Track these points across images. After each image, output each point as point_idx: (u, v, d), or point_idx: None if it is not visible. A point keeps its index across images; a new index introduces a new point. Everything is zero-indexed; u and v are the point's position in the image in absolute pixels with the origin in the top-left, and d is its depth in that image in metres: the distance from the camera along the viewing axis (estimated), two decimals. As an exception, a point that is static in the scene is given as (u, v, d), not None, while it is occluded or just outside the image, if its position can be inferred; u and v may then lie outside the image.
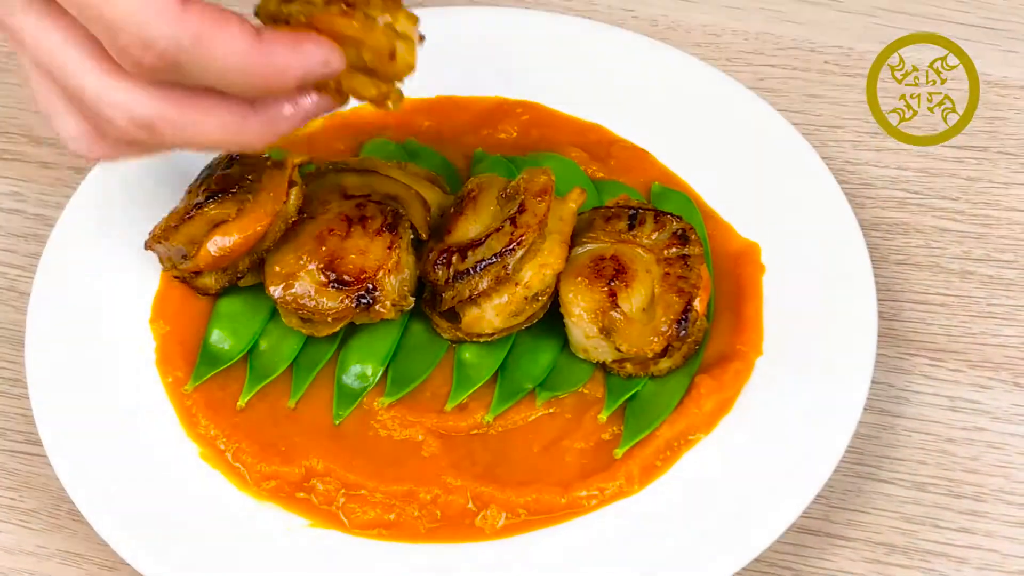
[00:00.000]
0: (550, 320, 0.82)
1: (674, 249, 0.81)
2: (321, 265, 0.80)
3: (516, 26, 0.96)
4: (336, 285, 0.79)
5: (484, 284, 0.79)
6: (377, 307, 0.79)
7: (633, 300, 0.79)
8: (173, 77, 0.63)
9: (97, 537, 0.75)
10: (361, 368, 0.81)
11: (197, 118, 0.65)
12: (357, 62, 0.67)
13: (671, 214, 0.82)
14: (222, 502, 0.77)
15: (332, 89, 0.68)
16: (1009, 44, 1.00)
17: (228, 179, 0.82)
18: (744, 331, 0.82)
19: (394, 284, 0.80)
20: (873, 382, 0.80)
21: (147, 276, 0.85)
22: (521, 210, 0.79)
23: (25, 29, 0.63)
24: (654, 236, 0.81)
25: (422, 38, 0.69)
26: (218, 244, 0.80)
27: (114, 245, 0.85)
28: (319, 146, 0.90)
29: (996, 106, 0.96)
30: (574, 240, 0.81)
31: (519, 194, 0.80)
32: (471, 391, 0.80)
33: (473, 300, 0.79)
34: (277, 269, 0.80)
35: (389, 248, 0.80)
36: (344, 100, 0.69)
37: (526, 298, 0.79)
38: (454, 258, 0.80)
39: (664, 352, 0.79)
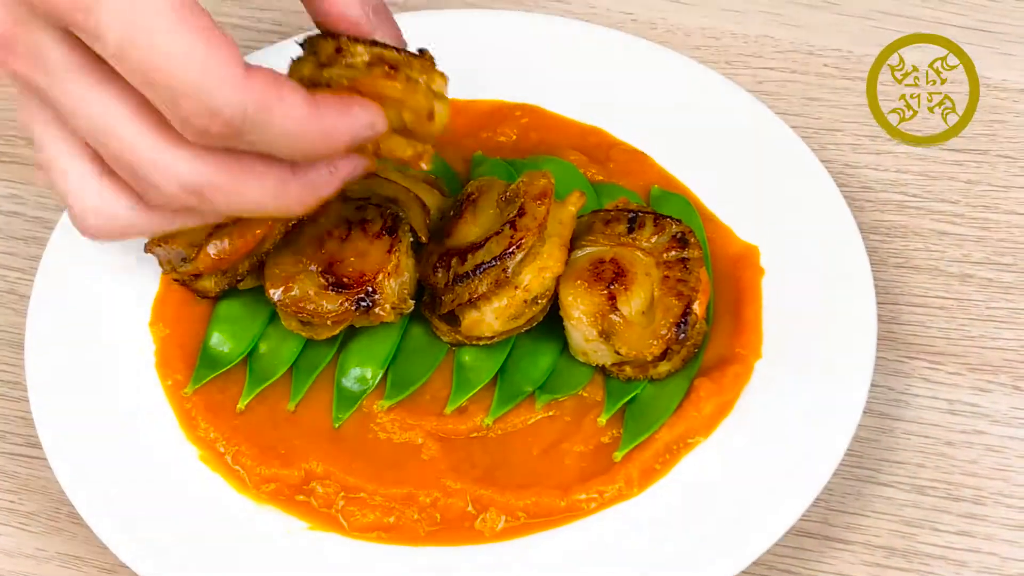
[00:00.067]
0: (550, 323, 0.82)
1: (673, 252, 0.81)
2: (321, 268, 0.80)
3: (515, 29, 0.96)
4: (336, 288, 0.79)
5: (484, 287, 0.79)
6: (377, 310, 0.79)
7: (632, 303, 0.79)
8: (231, 144, 0.63)
9: (97, 540, 0.75)
10: (361, 371, 0.81)
11: (245, 183, 0.65)
12: (396, 123, 0.68)
13: (670, 217, 0.82)
14: (222, 505, 0.77)
15: (369, 152, 0.69)
16: (1007, 47, 1.00)
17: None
18: (743, 334, 0.82)
19: (394, 287, 0.80)
20: (872, 385, 0.80)
21: (147, 279, 0.85)
22: (520, 213, 0.79)
23: (71, 94, 0.62)
24: (653, 239, 0.81)
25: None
26: (218, 247, 0.80)
27: (114, 248, 0.85)
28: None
29: (995, 109, 0.96)
30: (573, 243, 0.81)
31: (518, 197, 0.80)
32: (471, 394, 0.80)
33: (473, 303, 0.79)
34: (277, 272, 0.80)
35: (389, 251, 0.80)
36: (376, 163, 0.70)
37: (525, 301, 0.80)
38: (453, 261, 0.80)
39: (663, 355, 0.79)
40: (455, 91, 0.92)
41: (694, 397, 0.79)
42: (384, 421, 0.80)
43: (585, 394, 0.81)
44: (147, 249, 0.83)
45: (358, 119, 0.66)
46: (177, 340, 0.83)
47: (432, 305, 0.82)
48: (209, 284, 0.83)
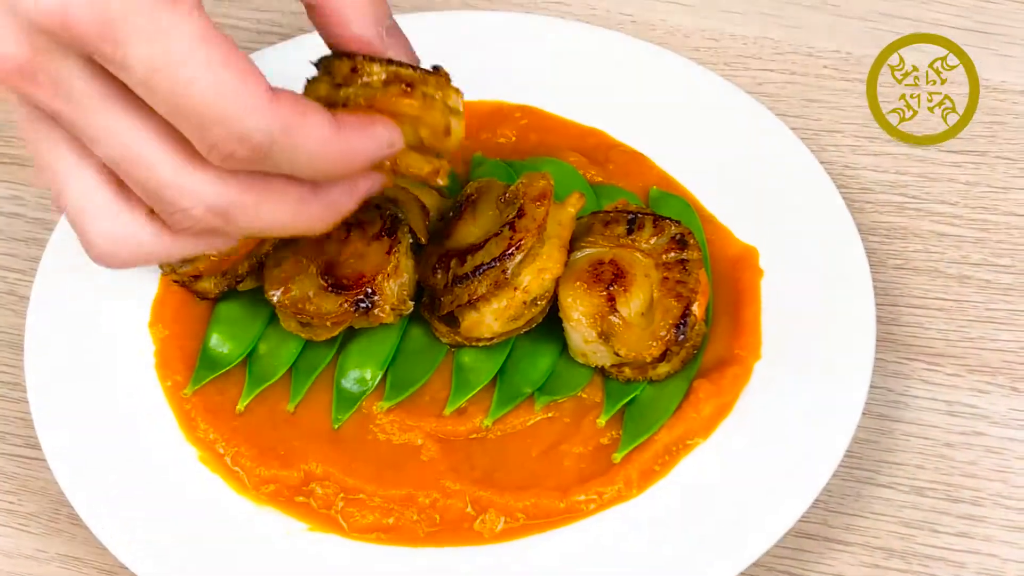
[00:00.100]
0: (549, 324, 0.82)
1: (672, 254, 0.81)
2: (320, 269, 0.80)
3: (515, 30, 0.96)
4: (335, 289, 0.79)
5: (483, 288, 0.79)
6: (376, 311, 0.79)
7: (632, 305, 0.79)
8: (256, 167, 0.63)
9: (96, 541, 0.75)
10: (360, 372, 0.81)
11: (268, 203, 0.65)
12: (412, 140, 0.69)
13: (669, 219, 0.82)
14: (221, 506, 0.77)
15: (387, 168, 0.69)
16: (1007, 49, 1.00)
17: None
18: (742, 335, 0.82)
19: (393, 288, 0.80)
20: (871, 387, 0.80)
21: (146, 280, 0.85)
22: (520, 215, 0.79)
23: (96, 122, 0.62)
24: (653, 241, 0.81)
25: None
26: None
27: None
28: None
29: (994, 110, 0.97)
30: (573, 245, 0.82)
31: (518, 199, 0.80)
32: (470, 395, 0.80)
33: (472, 304, 0.79)
34: (276, 273, 0.80)
35: (388, 252, 0.80)
36: (394, 179, 0.71)
37: (525, 303, 0.80)
38: (453, 262, 0.80)
39: (663, 356, 0.79)
40: (454, 92, 0.93)
41: (693, 398, 0.79)
42: (383, 422, 0.80)
43: (584, 395, 0.81)
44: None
45: (379, 138, 0.67)
46: (176, 341, 0.83)
47: (431, 306, 0.82)
48: (209, 285, 0.83)
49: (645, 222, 0.82)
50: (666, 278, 0.80)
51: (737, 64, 1.00)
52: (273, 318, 0.83)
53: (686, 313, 0.79)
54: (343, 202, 0.68)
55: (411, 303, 0.81)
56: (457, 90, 0.71)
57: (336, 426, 0.80)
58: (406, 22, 0.94)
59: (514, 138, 0.92)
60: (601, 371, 0.81)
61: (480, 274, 0.79)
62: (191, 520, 0.76)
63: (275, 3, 1.04)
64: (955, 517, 0.80)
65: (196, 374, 0.82)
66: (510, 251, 0.78)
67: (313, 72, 0.69)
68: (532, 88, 0.93)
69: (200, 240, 0.67)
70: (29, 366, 0.80)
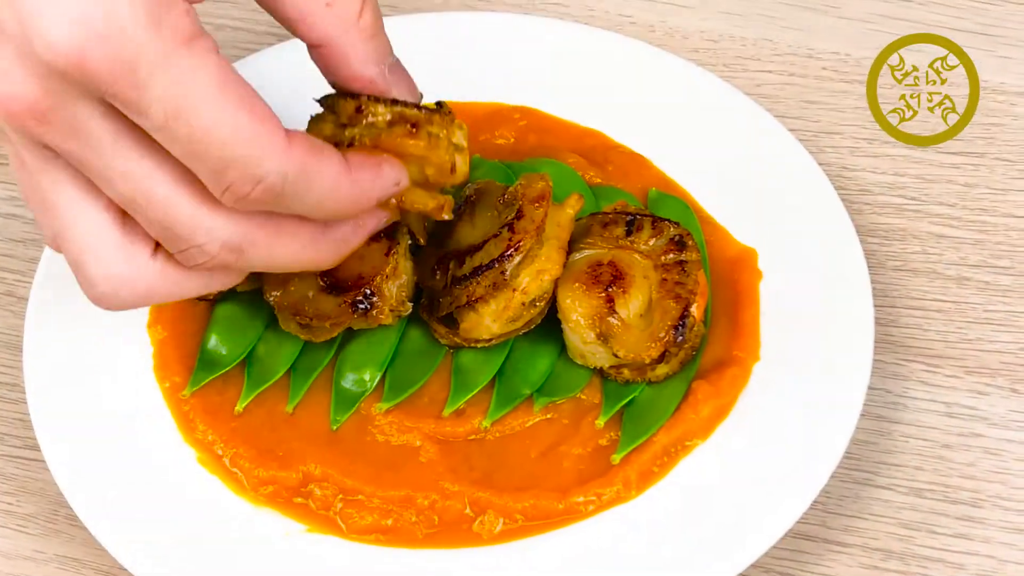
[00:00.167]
0: (548, 326, 0.82)
1: (671, 255, 0.81)
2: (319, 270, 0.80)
3: (513, 31, 0.96)
4: (334, 291, 0.79)
5: (481, 290, 0.79)
6: (375, 313, 0.79)
7: (630, 306, 0.79)
8: (267, 208, 0.64)
9: (95, 542, 0.75)
10: (359, 373, 0.81)
11: (282, 240, 0.66)
12: (418, 177, 0.71)
13: (668, 220, 0.82)
14: (220, 507, 0.77)
15: (393, 206, 0.71)
16: (1006, 50, 1.00)
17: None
18: (741, 337, 0.82)
19: (392, 290, 0.80)
20: (870, 388, 0.80)
21: (145, 281, 0.85)
22: (519, 216, 0.79)
23: (110, 163, 0.62)
24: (651, 242, 0.81)
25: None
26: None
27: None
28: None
29: (993, 112, 0.97)
30: (572, 246, 0.82)
31: (517, 200, 0.80)
32: (469, 396, 0.80)
33: (471, 306, 0.79)
34: (275, 274, 0.80)
35: (387, 254, 0.80)
36: (399, 214, 0.73)
37: (524, 304, 0.80)
38: (451, 264, 0.80)
39: (661, 358, 0.79)
40: (453, 93, 0.93)
41: (692, 400, 0.79)
42: (382, 423, 0.80)
43: (583, 396, 0.81)
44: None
45: (387, 179, 0.68)
46: (175, 342, 0.83)
47: (430, 307, 0.82)
48: (207, 286, 0.83)
49: (644, 223, 0.82)
50: (665, 279, 0.80)
51: (736, 65, 1.00)
52: (272, 319, 0.83)
53: (685, 314, 0.79)
54: (351, 239, 0.70)
55: (410, 304, 0.81)
56: (462, 125, 0.72)
57: (335, 427, 0.80)
58: (405, 23, 0.95)
59: (513, 139, 0.92)
60: (600, 372, 0.81)
61: (479, 275, 0.79)
62: (190, 521, 0.76)
63: (274, 4, 1.04)
64: (954, 518, 0.80)
65: (195, 375, 0.81)
66: (509, 252, 0.78)
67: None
68: (531, 89, 0.93)
69: (207, 277, 0.68)
70: (28, 367, 0.80)
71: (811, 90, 0.98)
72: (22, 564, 0.79)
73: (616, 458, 0.78)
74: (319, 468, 0.78)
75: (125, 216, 0.65)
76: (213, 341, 0.83)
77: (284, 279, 0.80)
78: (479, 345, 0.82)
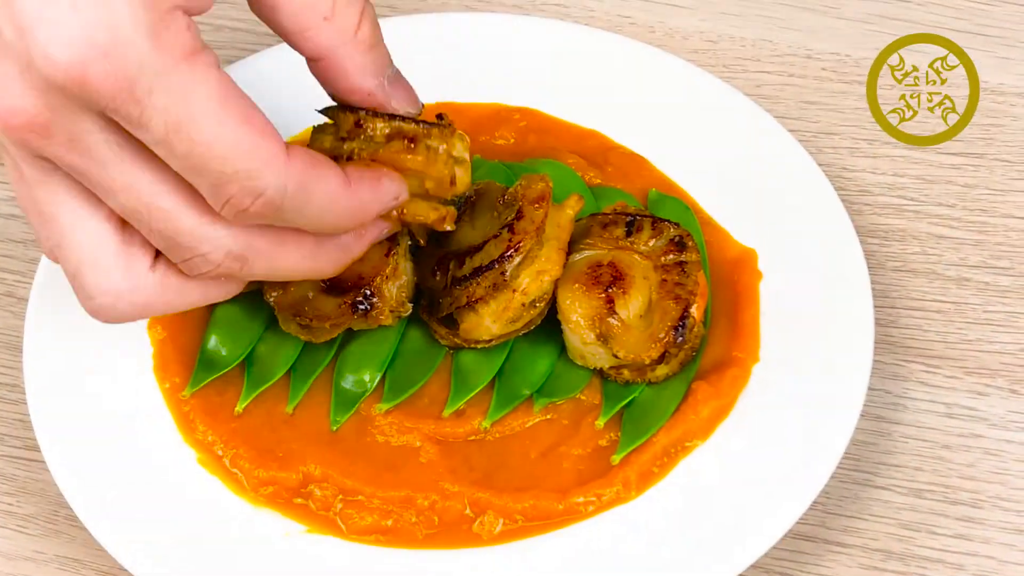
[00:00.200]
0: (548, 326, 0.82)
1: (671, 256, 0.81)
2: (319, 271, 0.80)
3: (514, 32, 0.96)
4: (334, 291, 0.79)
5: (481, 290, 0.79)
6: (375, 313, 0.79)
7: (630, 307, 0.79)
8: (267, 222, 0.65)
9: (95, 542, 0.75)
10: (359, 374, 0.81)
11: (285, 249, 0.67)
12: (418, 189, 0.71)
13: (668, 221, 0.82)
14: (220, 507, 0.77)
15: (394, 217, 0.72)
16: (1005, 51, 1.00)
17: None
18: (741, 337, 0.82)
19: (392, 290, 0.80)
20: (870, 389, 0.80)
21: (145, 282, 0.85)
22: (519, 217, 0.80)
23: (112, 175, 0.62)
24: (651, 243, 0.81)
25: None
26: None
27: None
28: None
29: (993, 113, 0.97)
30: (571, 247, 0.82)
31: (517, 201, 0.81)
32: (469, 397, 0.81)
33: (471, 306, 0.79)
34: (275, 275, 0.81)
35: (387, 254, 0.80)
36: (400, 225, 0.74)
37: (524, 304, 0.80)
38: (451, 264, 0.80)
39: (661, 358, 0.79)
40: (453, 94, 0.93)
41: (692, 400, 0.79)
42: (382, 424, 0.80)
43: (583, 397, 0.81)
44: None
45: (386, 192, 0.69)
46: (175, 343, 0.83)
47: (430, 308, 0.82)
48: (207, 287, 0.83)
49: (644, 224, 0.82)
50: (665, 280, 0.80)
51: (736, 66, 1.00)
52: (272, 320, 0.83)
53: (685, 315, 0.79)
54: (353, 247, 0.71)
55: (410, 305, 0.81)
56: (463, 137, 0.73)
57: (335, 428, 0.80)
58: (405, 24, 0.95)
59: (513, 140, 0.92)
60: (600, 373, 0.81)
61: (479, 276, 0.79)
62: (190, 522, 0.76)
63: (274, 5, 1.04)
64: (953, 519, 0.80)
65: (195, 376, 0.82)
66: (509, 253, 0.78)
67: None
68: (531, 90, 0.94)
69: (206, 288, 0.69)
70: (28, 368, 0.80)
71: (811, 91, 0.98)
72: (22, 565, 0.79)
73: (616, 459, 0.78)
74: (319, 469, 0.78)
75: (124, 228, 0.65)
76: (213, 342, 0.83)
77: (285, 280, 0.80)
78: (479, 346, 0.82)
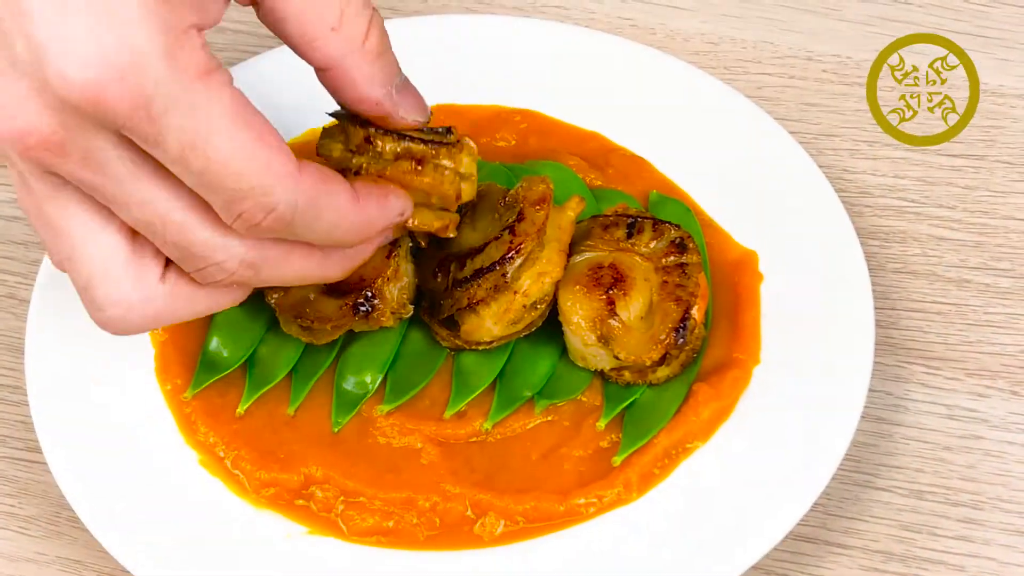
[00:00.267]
0: (549, 328, 0.82)
1: (672, 257, 0.81)
2: (320, 273, 0.80)
3: (514, 34, 0.96)
4: (335, 293, 0.79)
5: (483, 292, 0.79)
6: (376, 315, 0.79)
7: (631, 308, 0.80)
8: (277, 235, 0.66)
9: (96, 544, 0.75)
10: (360, 376, 0.81)
11: (294, 256, 0.68)
12: (423, 200, 0.73)
13: (669, 222, 0.82)
14: (221, 509, 0.77)
15: (399, 225, 0.73)
16: (1005, 53, 1.00)
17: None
18: (742, 339, 0.82)
19: (393, 292, 0.80)
20: (870, 390, 0.81)
21: (147, 283, 0.85)
22: (519, 218, 0.80)
23: (128, 191, 0.63)
24: (652, 244, 0.81)
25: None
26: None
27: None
28: (318, 154, 0.91)
29: (993, 115, 0.97)
30: (572, 248, 0.82)
31: (517, 202, 0.81)
32: (470, 399, 0.81)
33: (472, 308, 0.79)
34: (276, 277, 0.81)
35: (388, 256, 0.80)
36: (404, 232, 0.76)
37: (525, 306, 0.80)
38: (452, 266, 0.80)
39: (662, 360, 0.79)
40: (454, 96, 0.93)
41: (693, 402, 0.79)
42: (383, 425, 0.80)
43: (584, 399, 0.81)
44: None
45: (393, 209, 0.70)
46: (176, 345, 0.83)
47: (431, 310, 0.82)
48: (209, 289, 0.83)
49: (645, 226, 0.82)
50: (666, 282, 0.80)
51: (736, 68, 1.00)
52: (273, 321, 0.83)
53: (686, 317, 0.79)
54: (360, 254, 0.72)
55: (411, 307, 0.81)
56: (471, 151, 0.74)
57: (336, 429, 0.80)
58: (406, 26, 0.95)
59: (514, 142, 0.92)
60: (601, 374, 0.81)
61: (480, 278, 0.79)
62: (191, 523, 0.76)
63: (275, 7, 1.04)
64: (954, 521, 0.80)
65: (196, 377, 0.82)
66: (510, 255, 0.79)
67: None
68: (532, 92, 0.94)
69: (215, 297, 0.69)
70: (29, 370, 0.80)
71: (811, 92, 0.98)
72: (24, 566, 0.79)
73: (617, 460, 0.78)
74: (320, 470, 0.78)
75: (134, 240, 0.66)
76: (214, 343, 0.83)
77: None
78: (480, 347, 0.82)
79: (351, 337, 0.83)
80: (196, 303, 0.68)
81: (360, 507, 0.77)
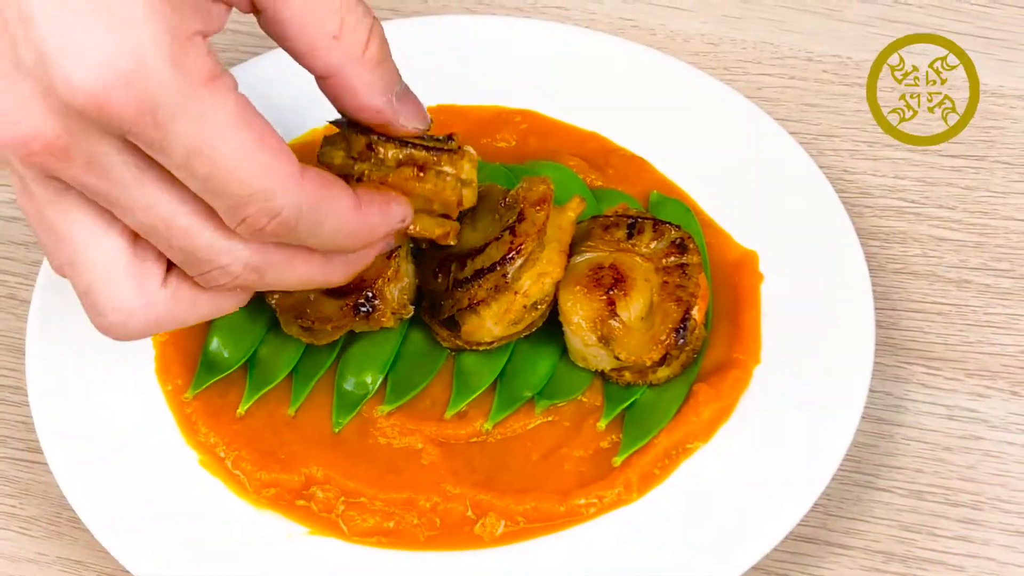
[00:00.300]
0: (549, 328, 0.82)
1: (672, 258, 0.81)
2: (321, 273, 0.80)
3: (515, 35, 0.96)
4: (336, 294, 0.79)
5: (483, 292, 0.79)
6: (377, 315, 0.79)
7: (632, 309, 0.80)
8: (280, 240, 0.66)
9: (97, 544, 0.75)
10: (361, 376, 0.81)
11: (298, 259, 0.68)
12: (424, 207, 0.73)
13: (669, 223, 0.82)
14: (222, 509, 0.77)
15: (401, 231, 0.73)
16: (1006, 53, 1.00)
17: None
18: (742, 339, 0.82)
19: (394, 293, 0.80)
20: (870, 391, 0.81)
21: (147, 284, 0.85)
22: (520, 219, 0.80)
23: (132, 195, 0.63)
24: (653, 245, 0.81)
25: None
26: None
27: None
28: (319, 155, 0.91)
29: (993, 115, 0.97)
30: (573, 249, 0.82)
31: (518, 203, 0.81)
32: (470, 399, 0.81)
33: (472, 308, 0.79)
34: (277, 277, 0.81)
35: (389, 257, 0.80)
36: (405, 238, 0.77)
37: (525, 306, 0.80)
38: (453, 267, 0.80)
39: (662, 360, 0.79)
40: (454, 96, 0.93)
41: (693, 402, 0.79)
42: (384, 426, 0.80)
43: (584, 399, 0.81)
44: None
45: (394, 215, 0.71)
46: (177, 345, 0.83)
47: (432, 310, 0.82)
48: (209, 289, 0.83)
49: (645, 226, 0.82)
50: (666, 282, 0.80)
51: (736, 69, 1.00)
52: (273, 322, 0.83)
53: (686, 317, 0.79)
54: (362, 259, 0.72)
55: (412, 307, 0.81)
56: (472, 158, 0.74)
57: (337, 430, 0.80)
58: (406, 27, 0.95)
59: (514, 142, 0.92)
60: (601, 375, 0.81)
61: (480, 278, 0.79)
62: (192, 523, 0.76)
63: (275, 7, 1.04)
64: (954, 521, 0.80)
65: (197, 378, 0.82)
66: (510, 255, 0.79)
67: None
68: (532, 92, 0.94)
69: (217, 302, 0.69)
70: (30, 370, 0.80)
71: (811, 93, 0.98)
72: (25, 567, 0.79)
73: (617, 460, 0.78)
74: (321, 471, 0.78)
75: (136, 244, 0.66)
76: (215, 344, 0.83)
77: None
78: (481, 348, 0.82)
79: (352, 337, 0.83)
80: (198, 308, 0.68)
81: (361, 507, 0.77)
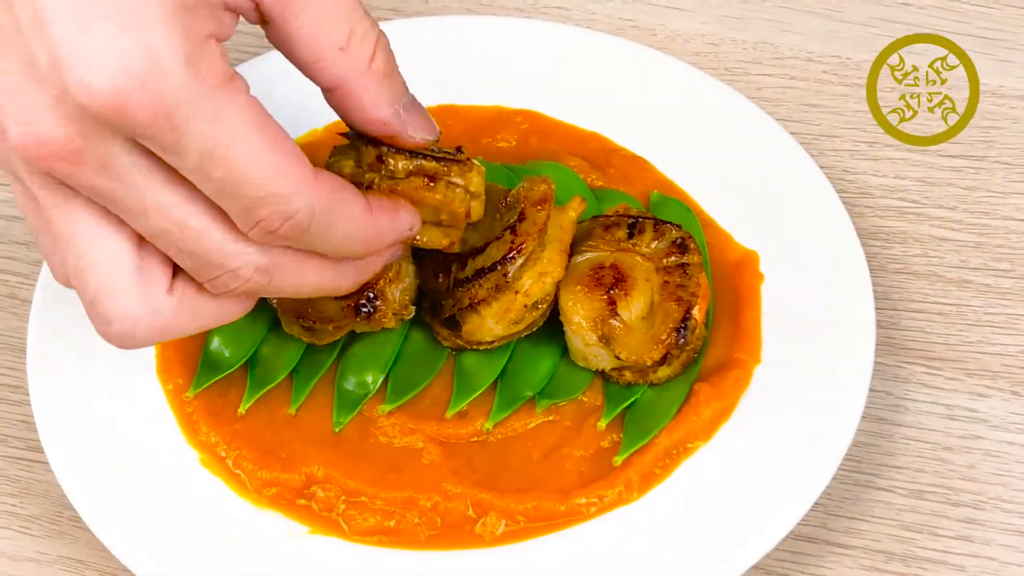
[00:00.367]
0: (550, 328, 0.82)
1: (673, 258, 0.81)
2: (322, 273, 0.80)
3: (515, 35, 0.96)
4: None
5: (484, 292, 0.79)
6: (378, 316, 0.79)
7: (632, 308, 0.80)
8: (292, 244, 0.66)
9: (98, 543, 0.75)
10: (361, 376, 0.82)
11: (308, 265, 0.68)
12: (432, 218, 0.73)
13: (670, 223, 0.82)
14: (223, 508, 0.77)
15: (407, 241, 0.73)
16: (1006, 54, 1.00)
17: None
18: (743, 339, 0.82)
19: (395, 293, 0.80)
20: (871, 390, 0.81)
21: (148, 283, 0.85)
22: (521, 219, 0.80)
23: (144, 198, 0.62)
24: (653, 245, 0.82)
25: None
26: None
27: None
28: (320, 155, 0.90)
29: (993, 115, 0.97)
30: (574, 248, 0.82)
31: (519, 203, 0.81)
32: (471, 398, 0.81)
33: (473, 308, 0.79)
34: (278, 277, 0.81)
35: (390, 258, 0.80)
36: (410, 249, 0.78)
37: (526, 306, 0.80)
38: (454, 266, 0.80)
39: (663, 360, 0.79)
40: (455, 96, 0.93)
41: (694, 402, 0.79)
42: (385, 425, 0.80)
43: (585, 399, 0.81)
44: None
45: (403, 223, 0.71)
46: (178, 345, 0.83)
47: (433, 310, 0.82)
48: (210, 289, 0.83)
49: (646, 226, 0.82)
50: (667, 282, 0.80)
51: (737, 69, 1.00)
52: (274, 322, 0.83)
53: (687, 317, 0.79)
54: (370, 267, 0.72)
55: (413, 308, 0.81)
56: (480, 171, 0.74)
57: (337, 429, 0.80)
58: (407, 27, 0.95)
59: (515, 142, 0.92)
60: (602, 374, 0.82)
61: (481, 278, 0.79)
62: (193, 523, 0.76)
63: (276, 8, 1.04)
64: (955, 520, 0.80)
65: (198, 377, 0.82)
66: (511, 255, 0.79)
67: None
68: (533, 92, 0.94)
69: (222, 309, 0.69)
70: (31, 369, 0.80)
71: (812, 93, 0.99)
72: (26, 566, 0.79)
73: (618, 460, 0.78)
74: (322, 470, 0.78)
75: (141, 249, 0.65)
76: (216, 343, 0.83)
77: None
78: (481, 347, 0.82)
79: (352, 337, 0.83)
80: (202, 315, 0.68)
81: (361, 507, 0.77)
